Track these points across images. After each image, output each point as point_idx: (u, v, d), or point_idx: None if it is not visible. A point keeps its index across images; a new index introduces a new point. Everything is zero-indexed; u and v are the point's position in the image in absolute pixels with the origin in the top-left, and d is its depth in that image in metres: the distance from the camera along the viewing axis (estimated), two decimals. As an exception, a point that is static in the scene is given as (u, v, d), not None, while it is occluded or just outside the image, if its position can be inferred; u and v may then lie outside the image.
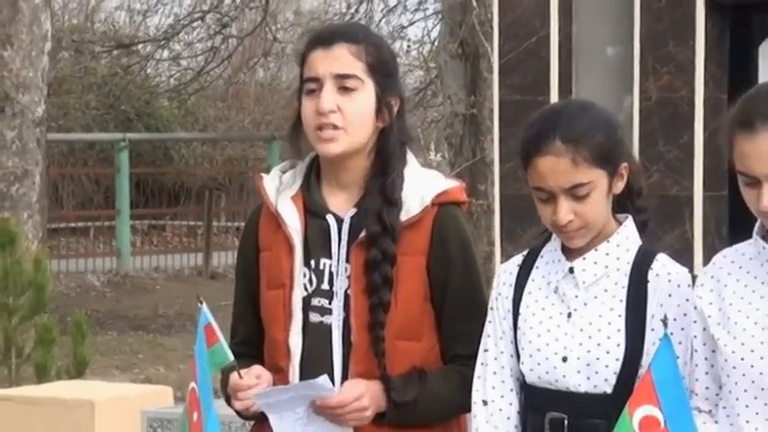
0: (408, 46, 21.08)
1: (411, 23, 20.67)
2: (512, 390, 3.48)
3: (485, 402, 3.49)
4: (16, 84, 15.08)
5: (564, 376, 3.38)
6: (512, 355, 3.47)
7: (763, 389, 3.18)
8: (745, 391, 3.20)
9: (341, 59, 3.57)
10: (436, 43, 18.90)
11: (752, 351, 3.19)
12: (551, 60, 6.08)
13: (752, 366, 3.18)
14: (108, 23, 27.39)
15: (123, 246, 21.23)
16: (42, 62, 15.41)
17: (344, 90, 3.57)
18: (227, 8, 21.03)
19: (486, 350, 3.51)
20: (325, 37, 3.62)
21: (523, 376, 3.45)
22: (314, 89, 3.58)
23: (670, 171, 5.82)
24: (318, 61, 3.58)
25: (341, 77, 3.56)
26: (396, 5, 20.41)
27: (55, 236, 19.99)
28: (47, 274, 9.47)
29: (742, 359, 3.20)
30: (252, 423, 3.73)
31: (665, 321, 3.19)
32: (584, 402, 3.36)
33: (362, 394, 3.49)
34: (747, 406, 3.20)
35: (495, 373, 3.49)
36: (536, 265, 3.51)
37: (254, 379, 3.54)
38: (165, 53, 23.92)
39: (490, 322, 3.51)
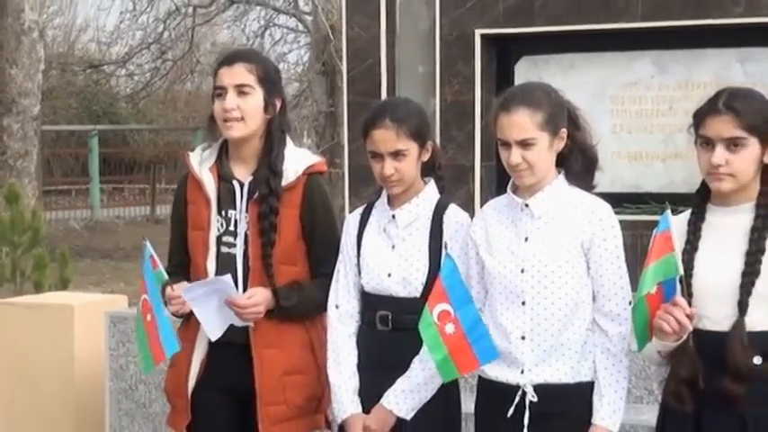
0: (288, 66, 21.09)
1: (290, 51, 20.77)
2: (355, 297, 3.49)
3: (337, 306, 3.50)
4: (20, 92, 14.98)
5: (388, 286, 3.40)
6: (356, 274, 3.47)
7: (511, 291, 3.22)
8: (500, 293, 3.24)
9: (239, 74, 3.54)
10: (307, 64, 18.84)
11: (504, 267, 3.23)
12: (382, 75, 6.05)
13: (504, 277, 3.23)
14: (84, 50, 27.02)
15: (95, 201, 21.17)
16: (38, 77, 15.31)
17: (241, 94, 3.54)
18: (165, 40, 20.79)
19: (338, 271, 3.51)
20: (229, 58, 3.60)
21: (363, 287, 3.46)
22: (221, 94, 3.56)
23: (459, 149, 5.85)
24: (224, 75, 3.55)
25: (239, 86, 3.53)
26: (280, 39, 20.42)
27: (47, 195, 19.82)
28: (41, 221, 9.27)
29: (499, 272, 3.24)
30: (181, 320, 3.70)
31: (446, 246, 3.23)
32: (402, 304, 3.37)
33: (253, 294, 3.47)
34: (501, 303, 3.24)
35: (344, 286, 3.49)
36: (372, 213, 3.51)
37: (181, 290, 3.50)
38: (123, 71, 23.49)
39: (341, 253, 3.52)
